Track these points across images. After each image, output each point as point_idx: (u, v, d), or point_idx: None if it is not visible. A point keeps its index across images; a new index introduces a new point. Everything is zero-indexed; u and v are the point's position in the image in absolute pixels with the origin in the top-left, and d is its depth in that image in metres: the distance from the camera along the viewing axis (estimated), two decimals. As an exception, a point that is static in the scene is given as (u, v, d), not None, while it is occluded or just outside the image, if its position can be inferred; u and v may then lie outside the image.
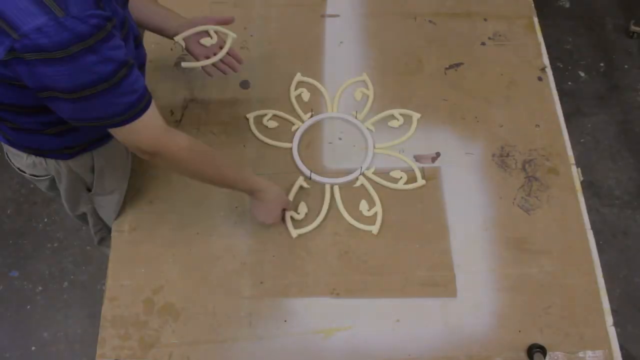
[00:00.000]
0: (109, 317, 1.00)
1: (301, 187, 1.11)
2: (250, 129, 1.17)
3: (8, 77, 0.71)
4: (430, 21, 1.32)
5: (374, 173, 1.13)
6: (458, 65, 1.26)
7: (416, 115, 1.19)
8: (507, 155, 1.15)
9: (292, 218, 1.08)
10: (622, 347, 0.99)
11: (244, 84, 1.23)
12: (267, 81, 1.24)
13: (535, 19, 1.32)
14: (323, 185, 1.12)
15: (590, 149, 2.05)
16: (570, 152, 1.16)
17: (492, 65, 1.26)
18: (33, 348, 1.68)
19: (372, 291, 1.02)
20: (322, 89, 1.22)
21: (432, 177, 1.12)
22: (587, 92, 2.19)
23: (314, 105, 1.21)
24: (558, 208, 1.10)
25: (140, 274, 1.03)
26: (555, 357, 0.97)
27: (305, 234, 1.06)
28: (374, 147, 1.16)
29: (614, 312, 1.02)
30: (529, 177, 1.13)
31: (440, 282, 1.03)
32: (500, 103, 1.21)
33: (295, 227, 1.07)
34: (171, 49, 1.26)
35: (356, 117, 1.19)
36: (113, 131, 0.79)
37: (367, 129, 1.17)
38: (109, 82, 0.71)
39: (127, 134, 0.78)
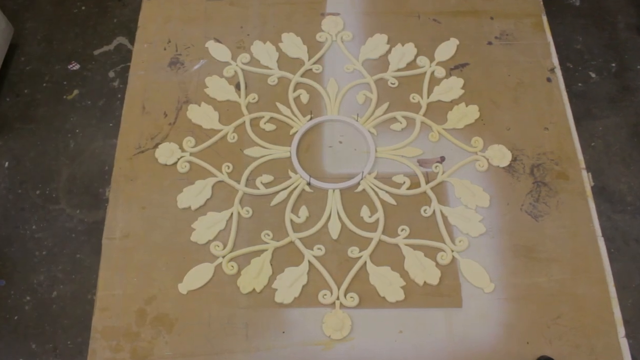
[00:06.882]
0: (99, 328, 0.97)
1: (303, 192, 1.08)
2: (246, 132, 1.14)
3: None
4: (434, 19, 1.29)
5: (375, 178, 1.10)
6: (463, 65, 1.23)
7: (420, 118, 1.16)
8: (515, 159, 1.12)
9: (292, 221, 1.05)
10: (634, 359, 0.96)
11: (240, 85, 1.20)
12: (264, 82, 1.21)
13: (544, 18, 1.29)
14: (323, 190, 1.08)
15: (601, 152, 2.02)
16: (580, 156, 1.12)
17: (499, 66, 1.23)
18: (20, 360, 1.65)
19: (374, 301, 0.99)
20: (322, 90, 1.19)
21: (436, 182, 1.09)
22: (598, 93, 2.16)
23: (313, 107, 1.18)
24: (568, 214, 1.06)
25: (132, 283, 1.00)
26: (566, 371, 0.93)
27: (305, 240, 1.03)
28: (376, 151, 1.12)
29: (626, 322, 1.00)
30: (537, 182, 1.10)
31: (444, 292, 1.00)
32: (508, 105, 1.18)
33: (295, 231, 1.04)
34: (164, 49, 1.24)
35: (357, 120, 1.16)
36: None
37: (369, 132, 1.14)
38: None
39: None
